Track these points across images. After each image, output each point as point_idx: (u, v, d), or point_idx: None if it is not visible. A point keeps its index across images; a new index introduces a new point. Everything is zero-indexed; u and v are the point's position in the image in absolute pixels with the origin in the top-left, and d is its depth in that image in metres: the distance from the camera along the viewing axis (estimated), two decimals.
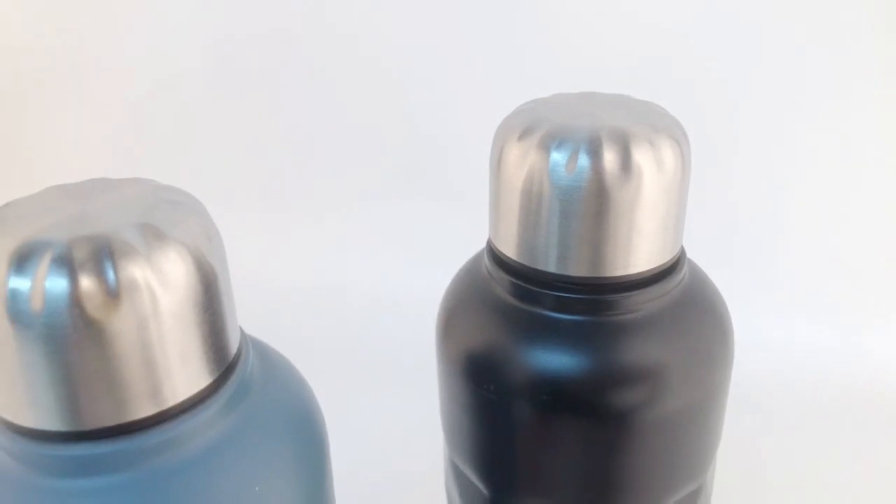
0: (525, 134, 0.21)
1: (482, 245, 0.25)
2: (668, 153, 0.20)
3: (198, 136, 0.55)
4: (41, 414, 0.15)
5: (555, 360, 0.21)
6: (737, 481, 0.34)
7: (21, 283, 0.14)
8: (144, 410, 0.15)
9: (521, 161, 0.21)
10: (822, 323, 0.45)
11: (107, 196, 0.16)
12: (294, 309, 0.48)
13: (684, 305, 0.22)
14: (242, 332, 0.18)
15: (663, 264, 0.22)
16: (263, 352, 0.19)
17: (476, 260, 0.25)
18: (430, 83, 0.50)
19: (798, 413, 0.40)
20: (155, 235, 0.15)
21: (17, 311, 0.14)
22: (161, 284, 0.15)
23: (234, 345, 0.17)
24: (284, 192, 0.55)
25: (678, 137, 0.21)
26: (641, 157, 0.20)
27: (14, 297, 0.14)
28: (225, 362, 0.17)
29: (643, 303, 0.21)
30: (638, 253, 0.21)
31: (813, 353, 0.44)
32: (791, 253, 0.46)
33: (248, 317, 0.19)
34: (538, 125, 0.21)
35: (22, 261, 0.14)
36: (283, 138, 0.54)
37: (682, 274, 0.22)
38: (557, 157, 0.20)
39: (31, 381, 0.14)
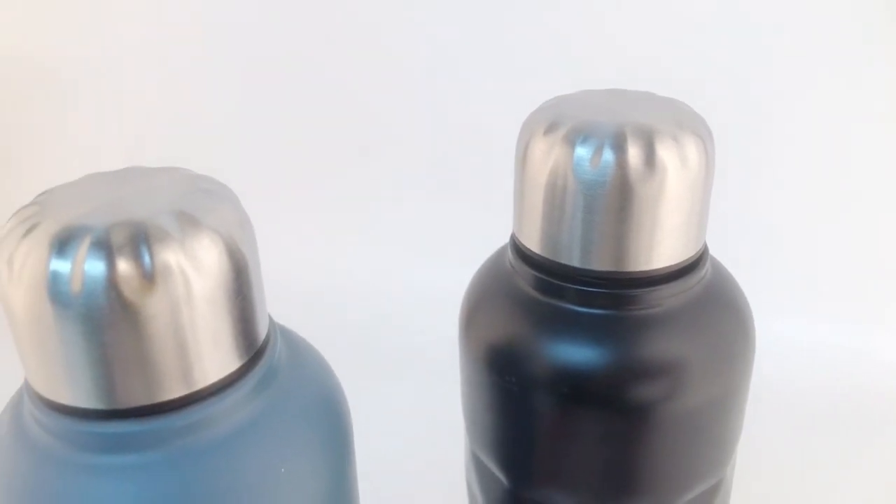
0: (550, 129, 0.21)
1: (504, 240, 0.25)
2: (693, 149, 0.20)
3: (226, 129, 0.55)
4: (77, 392, 0.15)
5: (576, 353, 0.22)
6: (756, 479, 0.34)
7: (61, 266, 0.14)
8: (176, 391, 0.16)
9: (546, 156, 0.21)
10: (835, 322, 0.45)
11: (143, 183, 0.17)
12: (316, 301, 0.49)
13: (706, 302, 0.22)
14: (271, 319, 0.19)
15: (686, 260, 0.22)
16: (291, 339, 0.20)
17: (500, 254, 0.25)
18: (452, 81, 0.50)
19: (814, 412, 0.40)
20: (189, 222, 0.15)
21: (58, 293, 0.14)
22: (194, 269, 0.15)
23: (262, 331, 0.18)
24: (307, 185, 0.55)
25: (702, 134, 0.21)
26: (665, 152, 0.20)
27: (55, 279, 0.14)
28: (254, 347, 0.17)
29: (665, 298, 0.21)
30: (661, 248, 0.21)
31: (826, 352, 0.44)
32: (805, 252, 0.46)
33: (271, 307, 0.19)
34: (563, 120, 0.21)
35: (63, 244, 0.14)
36: (308, 133, 0.54)
37: (705, 270, 0.23)
38: (582, 152, 0.20)
39: (68, 360, 0.15)
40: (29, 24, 0.56)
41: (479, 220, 0.39)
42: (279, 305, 0.22)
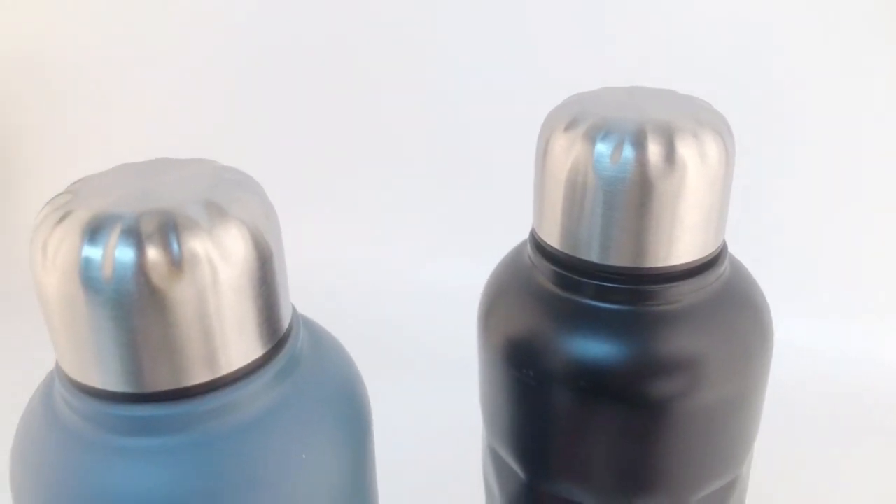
0: (571, 125, 0.21)
1: (524, 236, 0.25)
2: (712, 146, 0.20)
3: (250, 126, 0.56)
4: (106, 375, 0.16)
5: (594, 348, 0.22)
6: (771, 479, 0.34)
7: (93, 252, 0.15)
8: (201, 377, 0.16)
9: (567, 152, 0.21)
10: (848, 323, 0.45)
11: (172, 174, 0.17)
12: (333, 295, 0.49)
13: (724, 299, 0.22)
14: (294, 308, 0.19)
15: (705, 257, 0.22)
16: (313, 329, 0.20)
17: (519, 249, 0.25)
18: (473, 77, 0.50)
19: (826, 414, 0.40)
20: (217, 212, 0.15)
21: (89, 278, 0.15)
22: (221, 258, 0.15)
23: (286, 319, 0.18)
24: (326, 180, 0.56)
25: (722, 131, 0.21)
26: (685, 149, 0.20)
27: (87, 265, 0.15)
28: (277, 335, 0.17)
29: (683, 294, 0.22)
30: (680, 245, 0.21)
31: (838, 354, 0.44)
32: (819, 253, 0.46)
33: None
34: (584, 117, 0.21)
35: (94, 232, 0.15)
36: (328, 128, 0.54)
37: (724, 267, 0.23)
38: (602, 148, 0.20)
39: (98, 344, 0.15)
40: (57, 22, 0.57)
41: (499, 217, 0.39)
42: (297, 299, 0.22)
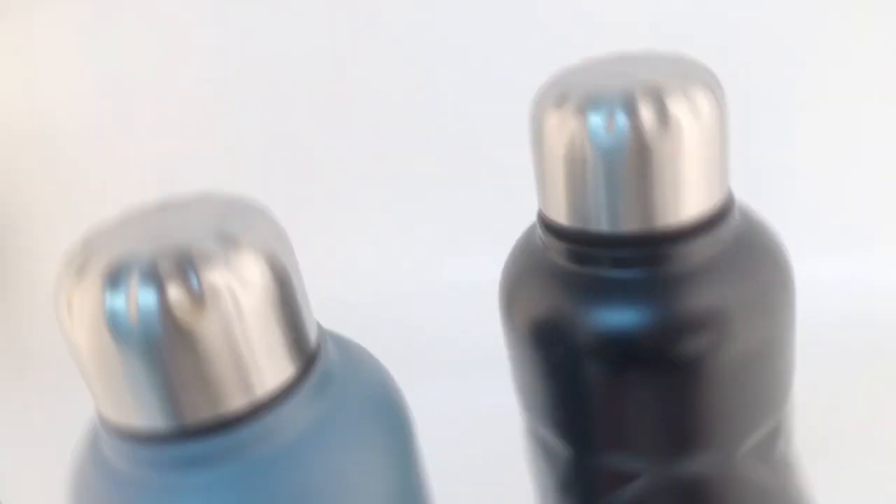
0: (561, 101, 0.21)
1: (527, 226, 0.25)
2: (703, 101, 0.20)
3: (244, 138, 0.56)
4: (145, 416, 0.16)
5: (616, 316, 0.22)
6: (819, 416, 0.34)
7: (116, 302, 0.15)
8: (238, 403, 0.16)
9: (561, 128, 0.21)
10: (871, 257, 0.45)
11: (179, 211, 0.17)
12: (352, 305, 0.49)
13: (740, 250, 0.22)
14: (319, 324, 0.19)
15: (712, 209, 0.22)
16: (341, 342, 0.20)
17: (529, 233, 0.26)
18: (472, 70, 0.50)
19: (862, 347, 0.40)
20: (231, 242, 0.16)
21: (117, 328, 0.15)
22: (241, 286, 0.16)
23: (312, 336, 0.18)
24: (331, 178, 0.56)
25: (711, 84, 0.21)
26: (677, 108, 0.20)
27: (112, 316, 0.15)
28: (307, 353, 0.18)
29: (698, 251, 0.22)
30: (686, 202, 0.21)
31: (863, 288, 0.44)
32: (833, 190, 0.46)
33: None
34: (572, 91, 0.21)
35: (114, 281, 0.15)
36: (327, 134, 0.54)
37: (734, 218, 0.23)
38: (595, 119, 0.20)
39: (134, 388, 0.16)
40: (48, 69, 0.58)
41: (511, 207, 0.39)
42: (319, 314, 0.22)
